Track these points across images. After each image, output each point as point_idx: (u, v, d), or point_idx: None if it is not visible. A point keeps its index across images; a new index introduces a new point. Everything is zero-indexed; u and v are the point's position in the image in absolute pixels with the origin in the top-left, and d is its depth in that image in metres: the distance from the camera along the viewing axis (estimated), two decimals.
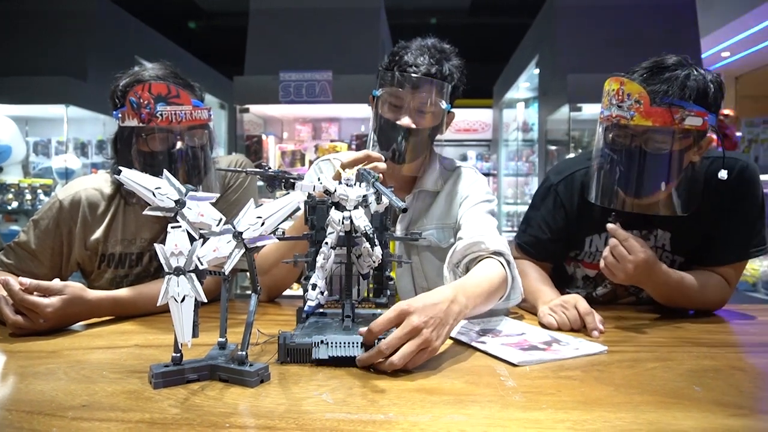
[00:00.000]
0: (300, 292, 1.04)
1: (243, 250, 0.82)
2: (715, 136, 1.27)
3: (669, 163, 1.22)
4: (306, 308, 0.95)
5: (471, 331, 1.15)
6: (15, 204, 4.24)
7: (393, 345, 0.84)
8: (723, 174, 1.26)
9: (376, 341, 0.88)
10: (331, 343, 0.89)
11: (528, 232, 1.55)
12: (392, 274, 1.07)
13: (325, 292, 0.95)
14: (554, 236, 1.51)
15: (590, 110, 4.02)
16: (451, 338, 1.07)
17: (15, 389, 0.82)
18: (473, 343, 1.04)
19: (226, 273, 0.83)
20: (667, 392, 0.83)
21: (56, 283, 1.16)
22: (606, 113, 1.26)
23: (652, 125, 1.19)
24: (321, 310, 1.07)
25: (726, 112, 3.76)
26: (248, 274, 0.85)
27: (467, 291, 1.02)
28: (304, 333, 0.96)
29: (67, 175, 4.38)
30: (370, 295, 1.10)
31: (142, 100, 1.24)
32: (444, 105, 1.33)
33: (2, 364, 0.95)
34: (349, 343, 0.89)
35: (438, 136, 1.41)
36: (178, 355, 0.85)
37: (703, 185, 1.32)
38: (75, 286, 1.18)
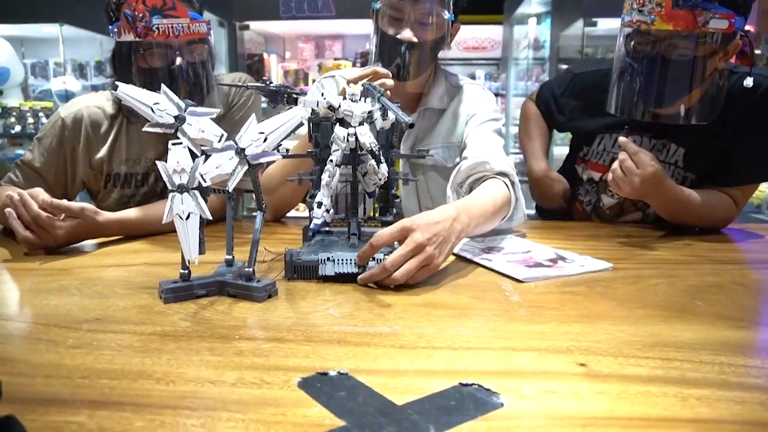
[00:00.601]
0: (306, 213, 1.05)
1: (246, 167, 0.81)
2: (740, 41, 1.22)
3: (692, 71, 1.16)
4: (312, 226, 0.96)
5: (476, 248, 1.14)
6: (18, 128, 4.21)
7: (397, 262, 0.85)
8: (749, 81, 1.21)
9: (377, 260, 0.88)
10: (338, 260, 0.89)
11: (543, 87, 1.69)
12: (398, 192, 1.05)
13: (331, 210, 0.96)
14: (560, 103, 1.58)
15: (606, 25, 3.86)
16: (454, 254, 1.06)
17: (30, 304, 0.84)
18: (478, 260, 1.04)
19: (230, 190, 0.83)
20: (669, 306, 0.83)
21: (74, 205, 1.17)
22: (627, 19, 1.20)
23: (674, 29, 1.13)
24: (326, 228, 1.06)
25: (747, 27, 3.60)
26: (253, 193, 0.86)
27: (470, 210, 1.01)
28: (310, 250, 0.95)
29: (67, 97, 4.31)
30: (376, 213, 1.08)
31: (136, 13, 1.20)
32: (447, 15, 1.26)
33: (16, 280, 0.97)
34: (354, 260, 0.89)
35: (444, 54, 1.35)
36: (186, 271, 0.86)
37: (726, 100, 1.26)
38: (89, 210, 1.19)
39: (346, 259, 0.89)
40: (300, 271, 0.93)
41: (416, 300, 0.83)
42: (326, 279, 0.92)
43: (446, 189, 1.24)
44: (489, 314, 0.78)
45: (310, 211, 0.95)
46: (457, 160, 1.36)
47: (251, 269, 0.84)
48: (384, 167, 0.92)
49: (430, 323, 0.74)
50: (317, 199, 0.93)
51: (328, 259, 0.89)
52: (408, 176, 1.02)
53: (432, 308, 0.80)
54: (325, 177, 0.92)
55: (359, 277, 0.87)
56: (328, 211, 0.94)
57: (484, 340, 0.70)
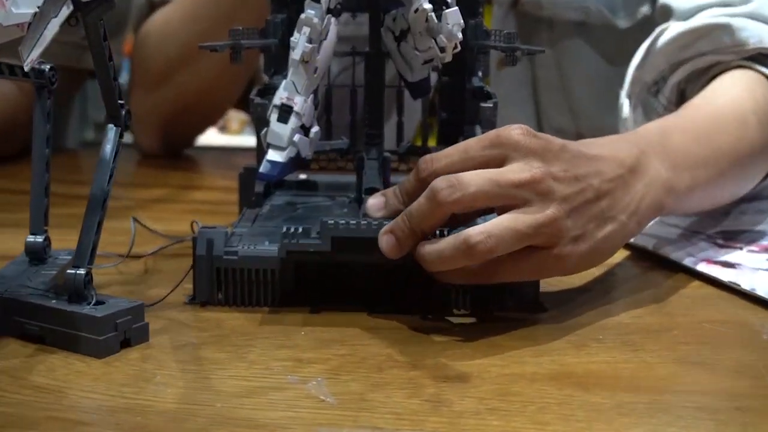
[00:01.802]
0: (247, 139, 0.78)
1: (70, 8, 0.39)
2: None
3: None
4: (264, 170, 0.52)
5: (696, 237, 0.62)
6: None
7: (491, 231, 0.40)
8: None
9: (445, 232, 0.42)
10: (335, 224, 0.45)
11: None
12: (486, 85, 0.60)
13: (315, 128, 0.51)
14: None
15: None
16: (631, 246, 0.60)
17: None
18: (698, 266, 0.55)
19: (26, 63, 0.40)
20: None
21: None
22: None
23: None
24: (301, 176, 0.61)
25: None
26: (102, 92, 0.45)
27: (677, 151, 0.52)
28: (256, 230, 0.51)
29: None
30: (429, 140, 0.63)
31: None
32: None
33: None
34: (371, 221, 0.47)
35: None
36: None
37: None
38: None
39: (355, 224, 0.45)
40: (231, 282, 0.47)
41: (527, 359, 0.40)
42: (296, 297, 0.47)
43: (609, 85, 0.76)
44: (726, 404, 0.38)
45: (259, 135, 0.51)
46: (643, 13, 0.84)
47: (82, 273, 0.40)
48: (454, 15, 0.47)
49: (566, 423, 0.34)
50: (279, 99, 0.49)
51: (296, 231, 0.45)
52: (515, 44, 0.54)
53: (569, 384, 0.37)
54: (299, 43, 0.48)
55: (421, 251, 0.44)
56: (305, 130, 0.49)
57: None
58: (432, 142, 0.66)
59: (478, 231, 0.42)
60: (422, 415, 0.33)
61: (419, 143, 0.69)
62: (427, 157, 0.44)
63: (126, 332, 0.40)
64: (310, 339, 0.43)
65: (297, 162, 0.51)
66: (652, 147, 0.52)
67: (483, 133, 0.50)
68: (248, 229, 0.53)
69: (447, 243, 0.43)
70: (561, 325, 0.46)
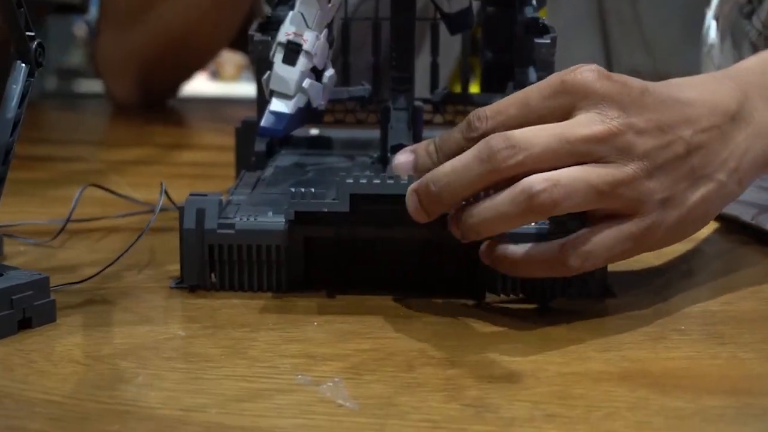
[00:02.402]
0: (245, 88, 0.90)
1: None
2: None
3: None
4: (266, 123, 0.56)
5: None
6: None
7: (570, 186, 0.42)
8: None
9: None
10: (355, 181, 0.49)
11: None
12: (541, 14, 0.64)
13: (329, 71, 0.56)
14: None
15: None
16: (720, 217, 0.64)
17: None
18: None
19: None
20: None
21: None
22: None
23: None
24: (314, 130, 0.70)
25: None
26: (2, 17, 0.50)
27: None
28: (261, 197, 0.56)
29: None
30: (472, 86, 0.70)
31: None
32: None
33: None
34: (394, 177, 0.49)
35: None
36: None
37: None
38: None
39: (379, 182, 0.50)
40: (227, 261, 0.50)
41: (592, 355, 0.43)
42: (307, 280, 0.52)
43: (706, 18, 0.80)
44: None
45: (260, 80, 0.57)
46: None
47: None
48: None
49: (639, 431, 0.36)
50: (285, 35, 0.53)
51: (307, 193, 0.51)
52: None
53: (643, 385, 0.40)
54: None
55: (409, 192, 0.47)
56: (317, 73, 0.54)
57: None
58: (474, 89, 0.68)
59: (542, 178, 0.42)
60: (463, 422, 0.34)
61: (458, 89, 0.72)
62: (480, 111, 0.45)
63: (25, 310, 0.42)
64: (325, 331, 0.45)
65: (307, 114, 0.53)
66: (757, 89, 0.53)
67: (540, 77, 0.53)
68: (247, 197, 0.54)
69: (500, 198, 0.44)
70: (633, 314, 0.47)
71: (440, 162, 0.46)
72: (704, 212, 0.49)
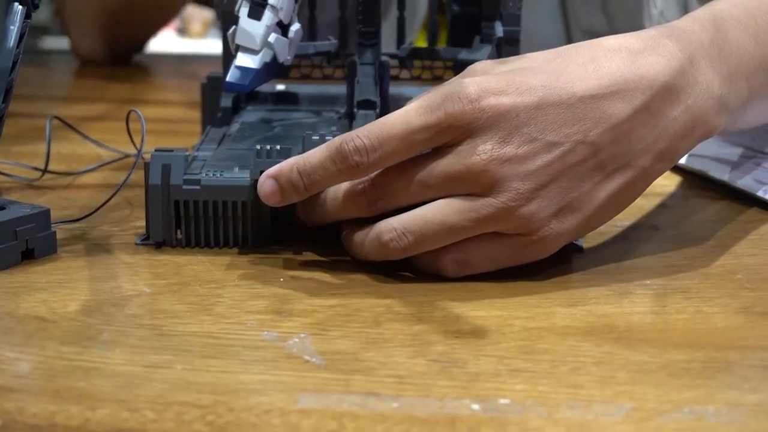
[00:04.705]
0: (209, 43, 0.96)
1: None
2: None
3: None
4: (232, 78, 0.54)
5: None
6: None
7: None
8: None
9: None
10: (320, 138, 0.50)
11: None
12: None
13: (295, 25, 0.54)
14: None
15: None
16: (684, 172, 0.64)
17: None
18: None
19: None
20: None
21: None
22: None
23: None
24: (280, 85, 0.69)
25: None
26: None
27: (733, 53, 0.51)
28: (227, 153, 0.54)
29: None
30: (438, 41, 0.68)
31: None
32: None
33: None
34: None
35: None
36: None
37: None
38: None
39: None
40: (193, 217, 0.48)
41: (558, 310, 0.42)
42: (274, 236, 0.50)
43: None
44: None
45: (226, 35, 0.57)
46: None
47: None
48: None
49: (604, 386, 0.36)
50: None
51: (272, 149, 0.51)
52: None
53: (609, 340, 0.40)
54: None
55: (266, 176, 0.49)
56: (283, 28, 0.53)
57: None
58: (441, 43, 0.66)
59: (391, 226, 0.42)
60: (429, 378, 0.34)
61: (424, 44, 0.70)
62: (356, 139, 0.42)
63: (28, 241, 0.44)
64: (291, 287, 0.44)
65: (273, 68, 0.52)
66: (704, 49, 0.49)
67: (506, 32, 0.51)
68: (213, 153, 0.54)
69: (362, 236, 0.45)
70: (599, 269, 0.47)
71: (308, 193, 0.45)
72: (620, 202, 0.47)
